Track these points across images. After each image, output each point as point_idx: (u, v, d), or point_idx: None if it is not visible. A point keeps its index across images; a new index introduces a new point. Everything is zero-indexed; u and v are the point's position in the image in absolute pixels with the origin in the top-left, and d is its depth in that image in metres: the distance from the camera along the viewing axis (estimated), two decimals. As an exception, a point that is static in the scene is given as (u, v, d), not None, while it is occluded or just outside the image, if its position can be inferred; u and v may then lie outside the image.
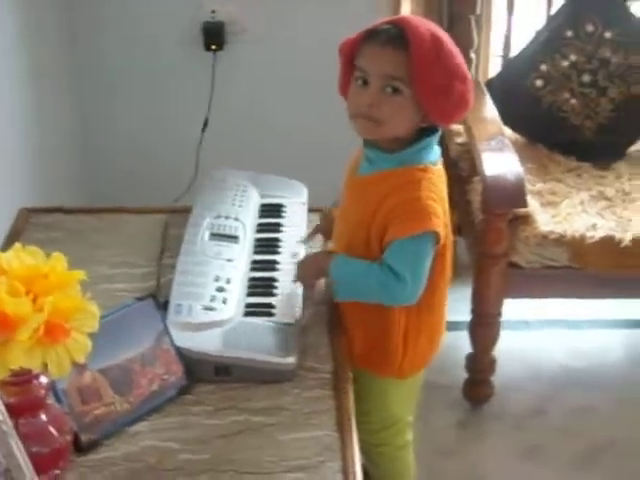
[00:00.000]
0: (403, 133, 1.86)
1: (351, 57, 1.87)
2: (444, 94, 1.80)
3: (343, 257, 1.94)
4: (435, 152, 1.92)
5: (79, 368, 1.59)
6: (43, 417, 1.49)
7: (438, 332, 2.08)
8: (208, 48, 3.20)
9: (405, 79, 1.79)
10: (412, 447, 2.26)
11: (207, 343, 1.79)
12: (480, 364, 2.89)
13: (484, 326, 2.80)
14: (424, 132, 1.88)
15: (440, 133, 1.92)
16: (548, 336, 3.35)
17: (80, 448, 1.61)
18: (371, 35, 1.83)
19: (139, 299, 1.80)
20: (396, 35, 1.79)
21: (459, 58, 1.83)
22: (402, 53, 1.78)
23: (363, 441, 2.19)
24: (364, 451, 2.21)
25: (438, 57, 1.78)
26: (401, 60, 1.78)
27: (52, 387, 1.56)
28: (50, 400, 1.54)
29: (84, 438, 1.62)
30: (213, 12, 3.18)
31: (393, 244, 1.84)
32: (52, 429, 1.50)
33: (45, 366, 1.37)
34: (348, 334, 2.02)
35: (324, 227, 2.19)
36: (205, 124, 3.25)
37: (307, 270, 2.00)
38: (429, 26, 1.81)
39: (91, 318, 1.42)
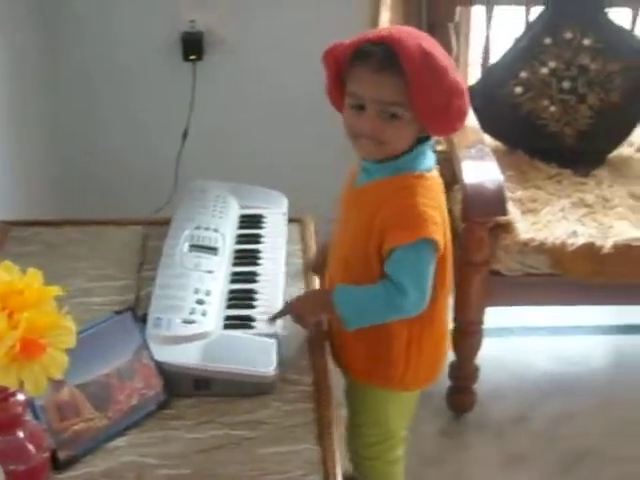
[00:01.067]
0: (404, 148, 1.85)
1: (337, 70, 1.85)
2: (444, 113, 1.80)
3: (343, 288, 1.91)
4: (430, 159, 1.91)
5: (57, 384, 1.58)
6: (20, 434, 1.48)
7: (442, 345, 2.06)
8: (187, 58, 3.19)
9: (403, 103, 1.77)
10: (403, 462, 2.25)
11: (186, 356, 1.77)
12: (463, 372, 2.88)
13: (466, 334, 2.79)
14: (418, 139, 1.87)
15: (433, 140, 1.93)
16: (531, 343, 3.35)
17: (58, 465, 1.60)
18: (360, 57, 1.79)
19: (117, 313, 1.78)
20: (387, 58, 1.75)
21: (452, 71, 1.80)
22: (397, 78, 1.75)
23: (355, 454, 2.20)
24: (355, 464, 2.22)
25: (434, 78, 1.75)
26: (397, 85, 1.76)
27: (30, 403, 1.54)
28: (27, 417, 1.53)
29: (62, 455, 1.60)
30: (192, 22, 3.17)
31: (393, 255, 1.83)
32: (30, 446, 1.49)
33: (21, 383, 1.36)
34: (349, 350, 2.02)
35: (312, 266, 2.21)
36: (185, 135, 3.24)
37: (307, 308, 1.96)
38: (418, 40, 1.77)
39: (67, 334, 1.41)
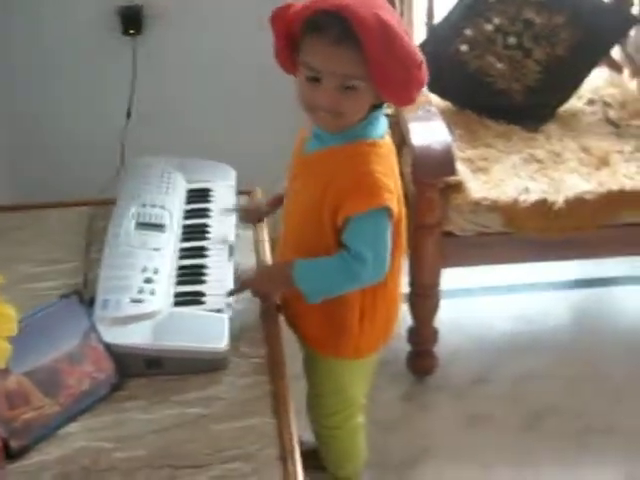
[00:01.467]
0: (361, 117, 1.83)
1: (287, 33, 1.80)
2: (403, 85, 1.78)
3: (302, 262, 1.89)
4: (382, 125, 1.90)
5: (3, 373, 1.56)
6: (-33, 426, 1.45)
7: (394, 308, 2.07)
8: (126, 32, 3.12)
9: (361, 76, 1.74)
10: (364, 429, 2.25)
11: (136, 337, 1.75)
12: (422, 336, 2.87)
13: (423, 297, 2.78)
14: (372, 106, 1.85)
15: (385, 106, 1.90)
16: (489, 303, 3.35)
17: (11, 454, 1.58)
18: (315, 28, 1.74)
19: (63, 297, 1.75)
20: (344, 31, 1.70)
21: (409, 41, 1.76)
22: (354, 51, 1.71)
23: (317, 424, 2.20)
24: (316, 433, 2.24)
25: (392, 50, 1.71)
26: (354, 58, 1.72)
27: (-24, 394, 1.52)
28: (-26, 408, 1.50)
29: (14, 444, 1.58)
30: (130, -5, 3.11)
31: (349, 225, 1.82)
32: (-22, 437, 1.46)
33: (-37, 374, 1.33)
34: (304, 318, 2.02)
35: (246, 207, 2.22)
36: (128, 112, 3.18)
37: (267, 284, 1.96)
38: (374, 10, 1.72)
39: (8, 321, 1.38)
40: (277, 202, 2.17)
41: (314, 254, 1.88)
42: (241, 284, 1.93)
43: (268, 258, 2.13)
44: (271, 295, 1.96)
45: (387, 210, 1.81)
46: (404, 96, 1.83)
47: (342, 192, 1.81)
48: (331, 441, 2.26)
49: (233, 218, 2.18)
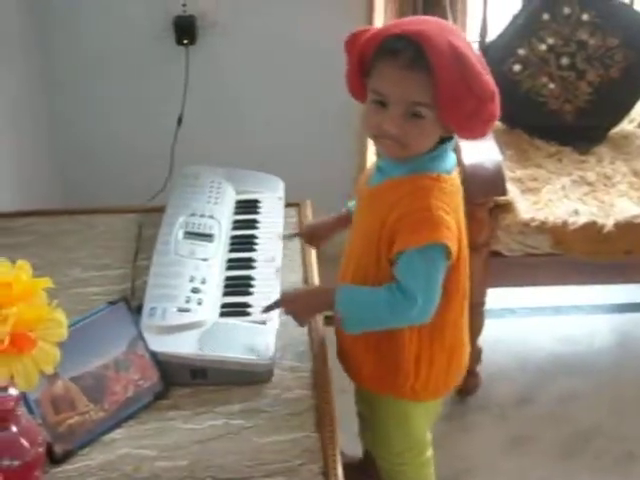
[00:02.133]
0: (428, 149, 1.77)
1: (360, 58, 1.76)
2: (475, 117, 1.70)
3: (348, 288, 1.85)
4: (450, 160, 1.83)
5: (51, 377, 1.56)
6: (14, 429, 1.46)
7: (455, 354, 1.97)
8: (180, 42, 3.14)
9: (429, 103, 1.69)
10: (433, 462, 2.21)
11: (182, 346, 1.76)
12: (466, 355, 2.85)
13: (468, 316, 2.76)
14: (441, 139, 1.79)
15: (454, 141, 1.83)
16: (534, 323, 3.33)
17: (55, 459, 1.59)
18: (386, 53, 1.70)
19: (111, 303, 1.76)
20: (416, 56, 1.66)
21: (484, 72, 1.70)
22: (424, 77, 1.66)
23: (384, 459, 2.16)
24: (384, 469, 2.18)
25: (464, 79, 1.65)
26: (424, 85, 1.67)
27: (23, 398, 1.52)
28: (21, 411, 1.50)
29: (58, 449, 1.59)
30: (184, 5, 3.13)
31: (402, 259, 1.75)
32: (24, 441, 1.47)
33: (12, 378, 1.34)
34: (358, 356, 1.97)
35: (308, 231, 2.16)
36: (179, 120, 3.20)
37: (301, 308, 1.89)
38: (448, 37, 1.68)
39: (58, 327, 1.39)
40: (342, 222, 2.09)
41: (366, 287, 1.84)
42: (277, 302, 1.88)
43: (315, 272, 2.12)
44: (304, 319, 1.89)
45: (444, 248, 1.74)
46: (473, 128, 1.75)
47: (400, 225, 1.74)
48: (400, 476, 2.19)
49: (281, 228, 2.18)
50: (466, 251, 1.87)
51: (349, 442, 2.29)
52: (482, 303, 2.76)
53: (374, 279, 1.82)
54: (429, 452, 2.17)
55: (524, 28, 3.16)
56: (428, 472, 2.21)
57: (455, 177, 1.84)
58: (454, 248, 1.75)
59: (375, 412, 2.09)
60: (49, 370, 1.37)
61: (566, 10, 3.14)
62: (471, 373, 2.91)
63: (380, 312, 1.77)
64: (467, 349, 2.04)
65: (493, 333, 3.07)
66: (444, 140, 1.79)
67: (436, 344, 1.90)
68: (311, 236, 2.16)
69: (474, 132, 1.77)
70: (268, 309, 1.87)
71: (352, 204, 2.02)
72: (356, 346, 1.94)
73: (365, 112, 1.79)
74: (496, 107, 1.72)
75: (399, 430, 2.07)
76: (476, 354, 2.87)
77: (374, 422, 2.12)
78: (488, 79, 1.70)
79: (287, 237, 2.15)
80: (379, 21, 3.12)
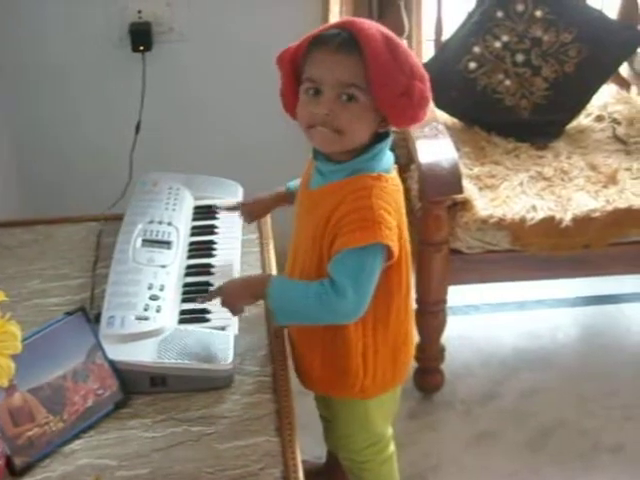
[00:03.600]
0: (362, 141, 1.78)
1: (294, 68, 1.79)
2: (406, 96, 1.71)
3: (280, 280, 1.86)
4: (388, 159, 1.84)
5: (8, 390, 1.57)
6: (-29, 443, 1.46)
7: (401, 350, 1.98)
8: (136, 49, 3.14)
9: (362, 85, 1.71)
10: (395, 457, 2.22)
11: (141, 354, 1.75)
12: (429, 353, 2.86)
13: (430, 315, 2.78)
14: (375, 139, 1.80)
15: (391, 139, 1.84)
16: (497, 319, 3.35)
17: (15, 472, 1.58)
18: (318, 41, 1.74)
19: (68, 314, 1.75)
20: (347, 39, 1.70)
21: (414, 57, 1.75)
22: (356, 58, 1.69)
23: (347, 459, 2.18)
24: (348, 468, 2.19)
25: (395, 59, 1.69)
26: (356, 65, 1.70)
27: (-19, 411, 1.52)
28: (-21, 425, 1.51)
29: (18, 461, 1.59)
30: (139, 12, 3.12)
31: (338, 254, 1.75)
32: (-18, 455, 1.47)
33: (-33, 392, 1.34)
34: (306, 359, 1.98)
35: (247, 207, 2.18)
36: (137, 127, 3.19)
37: (237, 293, 1.87)
38: (378, 27, 1.73)
39: (12, 339, 1.39)
40: (280, 199, 2.12)
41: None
42: (215, 292, 1.88)
43: (273, 266, 2.14)
44: (237, 305, 1.87)
45: (382, 247, 1.75)
46: (406, 112, 1.75)
47: (339, 225, 1.75)
48: (365, 474, 2.20)
49: (239, 236, 2.19)
50: (408, 248, 1.88)
51: (315, 445, 2.31)
52: (444, 301, 2.77)
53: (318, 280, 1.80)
54: (391, 448, 2.18)
55: (478, 26, 3.17)
56: (392, 467, 2.22)
57: (395, 176, 1.85)
58: (395, 247, 1.76)
59: (333, 413, 2.10)
60: (3, 383, 1.37)
61: (519, 7, 3.16)
62: (435, 370, 2.93)
63: (309, 305, 1.77)
64: (412, 344, 2.06)
65: (457, 330, 3.10)
66: (381, 138, 1.81)
67: (379, 339, 1.91)
68: (249, 212, 2.18)
69: (406, 115, 1.77)
70: (205, 299, 1.88)
71: (293, 183, 2.05)
72: (302, 349, 1.96)
73: (299, 108, 1.80)
74: (426, 89, 1.75)
75: (359, 428, 2.08)
76: (439, 352, 2.89)
77: (334, 423, 2.13)
78: (418, 61, 1.75)
79: (226, 209, 2.19)
80: (334, 17, 3.13)
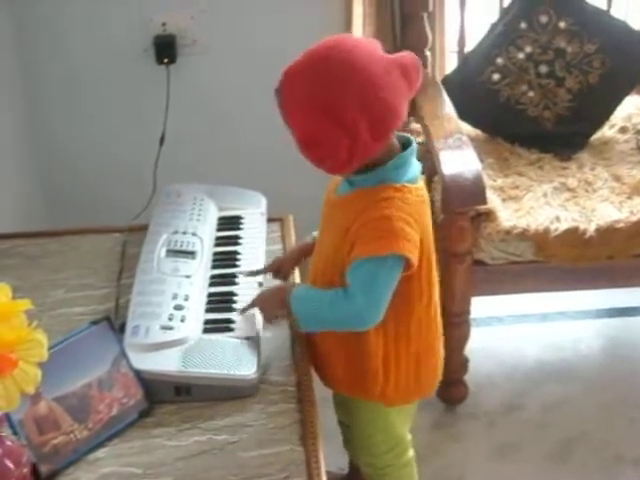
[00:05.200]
0: (374, 156, 1.76)
1: None
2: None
3: (304, 287, 1.90)
4: (413, 169, 1.84)
5: (34, 398, 1.57)
6: (-2, 451, 1.47)
7: (426, 359, 1.98)
8: (160, 62, 3.16)
9: None
10: (414, 461, 2.22)
11: (166, 363, 1.76)
12: (452, 364, 2.82)
13: (453, 326, 2.76)
14: (403, 146, 1.82)
15: (415, 147, 1.84)
16: (520, 331, 3.34)
17: (40, 479, 1.58)
18: None
19: (94, 323, 1.76)
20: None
21: (301, 116, 1.75)
22: None
23: (368, 464, 2.17)
24: (368, 474, 2.19)
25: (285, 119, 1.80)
26: None
27: (7, 419, 1.53)
28: (5, 432, 1.51)
29: (43, 469, 1.59)
30: (164, 25, 3.15)
31: (353, 262, 1.76)
32: (8, 462, 1.47)
33: (-6, 399, 1.35)
34: (330, 358, 1.98)
35: (274, 266, 2.12)
36: (162, 139, 3.21)
37: (267, 303, 1.92)
38: (300, 74, 1.76)
39: (38, 347, 1.39)
40: (306, 251, 2.09)
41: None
42: (252, 303, 1.93)
43: (297, 276, 2.14)
44: (269, 316, 1.92)
45: (400, 258, 1.75)
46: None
47: (358, 233, 1.76)
48: (385, 479, 2.21)
49: (263, 246, 2.19)
50: (432, 260, 1.88)
51: (337, 455, 2.30)
52: (467, 312, 2.77)
53: (340, 286, 1.81)
54: (410, 452, 2.19)
55: (502, 37, 3.18)
56: (411, 472, 2.22)
57: (421, 187, 1.85)
58: (414, 258, 1.76)
59: (353, 417, 2.11)
60: (30, 390, 1.38)
61: (543, 18, 3.16)
62: (458, 382, 2.92)
63: (324, 311, 1.81)
64: (439, 356, 2.05)
65: (480, 342, 3.09)
66: (405, 147, 1.82)
67: (401, 349, 1.91)
68: (277, 270, 2.12)
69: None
70: (244, 310, 1.92)
71: (316, 234, 2.03)
72: (326, 349, 1.97)
73: None
74: (315, 156, 1.75)
75: (378, 432, 2.09)
76: (463, 363, 2.88)
77: (353, 428, 2.14)
78: (309, 123, 1.73)
79: (251, 274, 2.09)
80: (357, 34, 3.14)
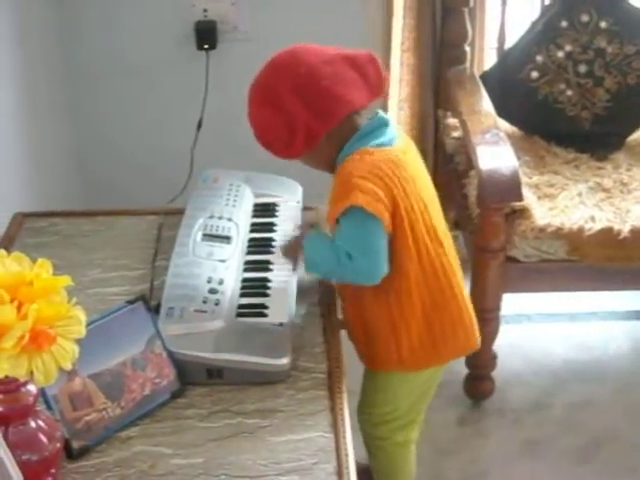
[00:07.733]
0: (332, 157, 1.95)
1: None
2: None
3: (317, 233, 2.01)
4: (386, 136, 1.94)
5: (69, 374, 1.59)
6: (32, 424, 1.48)
7: (435, 317, 2.00)
8: (201, 47, 3.18)
9: None
10: (414, 446, 2.25)
11: (199, 346, 1.78)
12: (480, 360, 2.86)
13: (483, 321, 2.73)
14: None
15: (381, 117, 1.96)
16: (549, 329, 3.33)
17: (72, 455, 1.61)
18: None
19: (129, 302, 1.78)
20: None
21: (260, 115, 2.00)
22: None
23: (366, 433, 2.20)
24: (366, 443, 2.22)
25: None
26: None
27: (42, 394, 1.55)
28: (40, 407, 1.53)
29: (76, 445, 1.61)
30: (205, 11, 3.17)
31: (338, 226, 1.89)
32: (42, 436, 1.49)
33: (31, 373, 1.36)
34: (353, 335, 2.07)
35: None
36: (199, 124, 3.23)
37: (287, 248, 2.06)
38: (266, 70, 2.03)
39: (77, 324, 1.41)
40: None
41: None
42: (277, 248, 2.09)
43: None
44: (290, 259, 2.04)
45: (362, 209, 1.83)
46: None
47: (329, 201, 1.92)
48: (378, 452, 2.26)
49: (297, 232, 2.20)
50: (417, 216, 1.93)
51: (361, 446, 2.31)
52: (498, 308, 2.77)
53: None
54: (412, 433, 2.23)
55: (542, 35, 3.17)
56: (406, 453, 2.26)
57: (395, 149, 1.94)
58: (374, 210, 1.83)
59: (367, 384, 2.18)
60: (67, 366, 1.39)
61: (584, 17, 3.15)
62: (486, 378, 2.93)
63: (331, 260, 1.90)
64: (453, 312, 2.04)
65: (509, 338, 3.09)
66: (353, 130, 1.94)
67: (407, 313, 1.97)
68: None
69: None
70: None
71: None
72: (352, 325, 2.06)
73: None
74: (262, 140, 2.02)
75: (383, 401, 2.15)
76: (491, 359, 2.89)
77: (363, 393, 2.19)
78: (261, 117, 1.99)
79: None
80: (397, 27, 3.14)
